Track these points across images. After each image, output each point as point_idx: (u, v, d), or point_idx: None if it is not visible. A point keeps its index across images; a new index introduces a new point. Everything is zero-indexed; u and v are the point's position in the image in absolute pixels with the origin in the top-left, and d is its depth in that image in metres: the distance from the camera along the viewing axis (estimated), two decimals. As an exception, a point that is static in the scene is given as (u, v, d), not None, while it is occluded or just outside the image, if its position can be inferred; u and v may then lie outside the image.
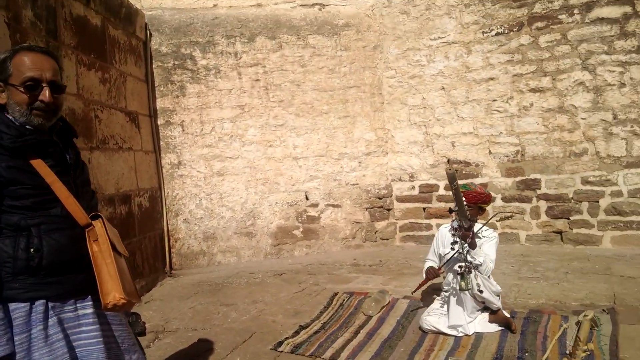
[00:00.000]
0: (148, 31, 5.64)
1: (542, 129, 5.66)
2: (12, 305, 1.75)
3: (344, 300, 4.25)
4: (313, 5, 6.35)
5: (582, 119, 5.47)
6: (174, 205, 5.77)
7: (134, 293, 1.88)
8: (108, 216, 4.39)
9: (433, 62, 6.10)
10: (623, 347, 3.06)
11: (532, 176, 5.69)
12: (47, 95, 1.76)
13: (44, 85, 1.76)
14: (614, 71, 5.29)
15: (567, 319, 3.52)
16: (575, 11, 5.41)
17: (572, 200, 5.55)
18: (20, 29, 3.33)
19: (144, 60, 5.52)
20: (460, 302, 3.45)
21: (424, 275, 3.67)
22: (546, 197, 5.66)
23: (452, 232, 3.69)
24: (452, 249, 3.52)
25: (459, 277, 3.32)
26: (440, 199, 6.18)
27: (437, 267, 3.62)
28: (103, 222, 1.88)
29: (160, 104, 5.75)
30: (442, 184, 6.16)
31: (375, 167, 6.33)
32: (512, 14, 5.70)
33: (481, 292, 3.35)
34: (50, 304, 1.79)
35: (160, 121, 5.74)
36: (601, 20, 5.31)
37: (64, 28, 3.89)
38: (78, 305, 1.86)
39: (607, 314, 3.53)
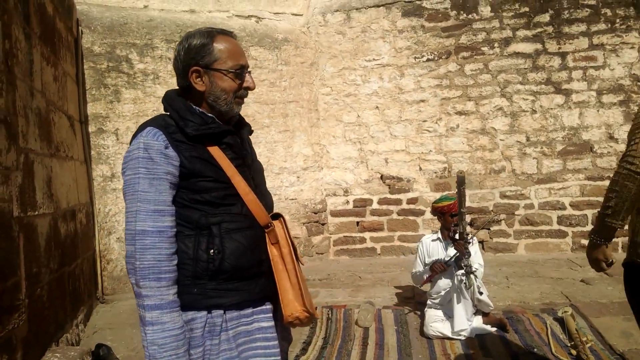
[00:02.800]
0: (80, 27, 5.04)
1: (466, 148, 6.24)
2: (190, 314, 1.57)
3: (328, 314, 4.21)
4: (249, 17, 6.25)
5: (501, 140, 6.16)
6: (106, 222, 5.17)
7: (313, 307, 1.72)
8: (64, 235, 3.81)
9: (368, 82, 6.38)
10: (606, 337, 3.53)
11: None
12: (251, 81, 1.65)
13: (248, 71, 1.64)
14: (527, 99, 6.07)
15: (543, 317, 3.94)
16: (496, 45, 6.12)
17: (492, 212, 6.20)
18: (7, 7, 2.80)
19: (75, 59, 4.91)
20: (462, 307, 3.66)
21: (425, 276, 3.84)
22: (470, 210, 6.23)
23: (444, 242, 3.94)
24: (446, 260, 3.77)
25: (464, 278, 3.53)
26: (374, 212, 6.44)
27: (443, 262, 3.78)
28: (283, 222, 1.72)
29: (92, 109, 5.14)
30: (376, 198, 6.43)
31: (312, 182, 6.38)
32: (441, 42, 6.24)
33: (481, 293, 3.61)
34: (227, 315, 1.61)
35: (91, 128, 5.13)
36: (517, 54, 6.07)
37: (33, 14, 3.34)
38: (256, 316, 1.68)
39: (574, 309, 4.03)
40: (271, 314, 1.70)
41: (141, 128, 1.60)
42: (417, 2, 6.29)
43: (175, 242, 1.55)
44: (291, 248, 1.69)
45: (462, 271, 3.55)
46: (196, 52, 1.61)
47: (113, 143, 5.24)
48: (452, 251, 3.74)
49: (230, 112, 1.65)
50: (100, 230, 5.11)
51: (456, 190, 3.34)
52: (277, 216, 1.72)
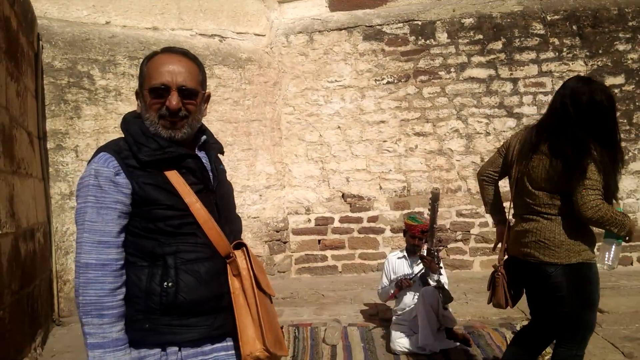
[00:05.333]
0: (40, 42, 4.94)
1: (425, 168, 6.45)
2: (142, 352, 1.49)
3: (295, 333, 4.23)
4: (212, 35, 6.28)
5: (457, 160, 6.41)
6: (63, 242, 5.02)
7: (279, 344, 1.63)
8: (24, 255, 3.69)
9: (330, 102, 6.52)
10: (562, 349, 3.72)
11: (417, 209, 6.39)
12: (172, 101, 1.52)
13: (172, 90, 1.53)
14: (481, 122, 6.36)
15: (502, 331, 4.11)
16: (452, 69, 6.39)
17: (449, 230, 6.41)
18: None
19: (34, 74, 4.80)
20: (427, 323, 3.77)
21: (391, 291, 3.93)
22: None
23: (409, 259, 4.06)
24: (411, 277, 3.89)
25: (440, 293, 3.65)
26: (335, 230, 6.53)
27: (408, 278, 3.88)
28: (247, 252, 1.63)
29: (50, 125, 5.02)
30: (337, 216, 6.52)
31: (275, 200, 6.41)
32: (401, 66, 6.46)
33: (445, 309, 3.75)
34: (183, 352, 1.52)
35: (50, 145, 5.00)
36: (472, 79, 6.37)
37: (0, 29, 3.28)
38: (216, 354, 1.59)
39: (531, 323, 4.22)
40: (233, 351, 1.61)
41: (96, 153, 1.54)
42: (377, 27, 6.50)
43: (122, 275, 1.47)
44: (253, 280, 1.59)
45: (431, 288, 3.68)
46: (138, 75, 1.61)
47: (72, 160, 5.12)
48: (417, 268, 3.86)
49: (158, 135, 1.55)
50: (57, 249, 4.96)
51: (429, 207, 3.46)
52: (240, 246, 1.64)
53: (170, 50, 1.63)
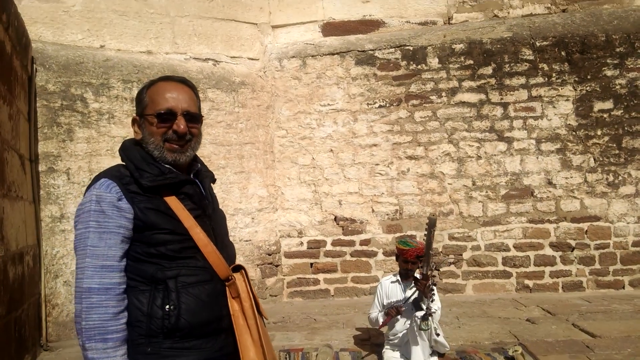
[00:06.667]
0: (34, 65, 4.97)
1: (417, 191, 6.47)
2: None
3: (286, 358, 4.19)
4: (206, 59, 6.34)
5: (449, 184, 6.43)
6: (53, 265, 4.97)
7: None
8: (12, 278, 3.65)
9: (323, 126, 6.56)
10: (554, 374, 3.70)
11: (409, 232, 6.40)
12: (181, 125, 1.60)
13: (178, 115, 1.61)
14: (472, 146, 6.41)
15: (494, 356, 4.08)
16: (443, 94, 6.47)
17: (441, 254, 6.40)
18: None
19: (27, 97, 4.81)
20: (419, 348, 3.74)
21: (380, 320, 3.89)
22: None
23: (402, 283, 4.03)
24: (404, 301, 3.86)
25: (419, 320, 3.61)
26: (328, 254, 6.50)
27: (399, 305, 3.85)
28: (245, 275, 1.68)
29: (43, 147, 5.02)
30: (330, 239, 6.51)
31: (267, 223, 6.39)
32: (393, 90, 6.53)
33: (438, 335, 3.71)
34: None
35: (42, 167, 4.99)
36: (463, 103, 6.44)
37: (-7, 54, 3.30)
38: None
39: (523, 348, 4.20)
40: None
41: (95, 179, 1.57)
42: (369, 52, 6.59)
43: (124, 299, 1.49)
44: (252, 302, 1.64)
45: (421, 312, 3.64)
46: (136, 102, 1.67)
47: (64, 183, 5.10)
48: (410, 292, 3.84)
49: (163, 159, 1.61)
50: (46, 273, 4.91)
51: (425, 232, 3.46)
52: (239, 268, 1.68)
53: (170, 79, 1.71)
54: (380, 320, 3.92)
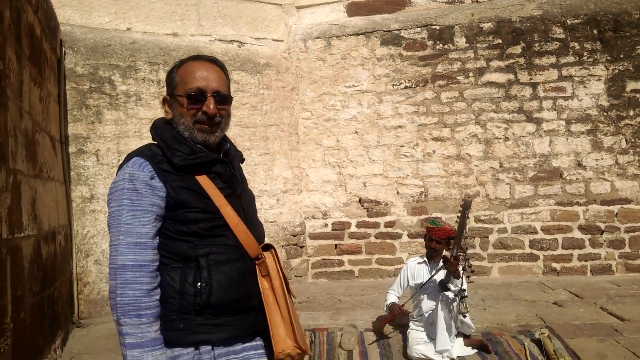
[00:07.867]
0: (63, 48, 5.04)
1: (442, 173, 6.41)
2: (176, 351, 1.52)
3: (311, 337, 4.23)
4: (231, 41, 6.35)
5: (475, 166, 6.35)
6: (84, 244, 5.09)
7: (305, 343, 1.68)
8: (45, 257, 3.75)
9: (347, 107, 6.52)
10: (582, 358, 3.66)
11: (434, 215, 6.36)
12: (210, 106, 1.59)
13: (208, 95, 1.60)
14: (500, 127, 6.30)
15: (520, 339, 4.06)
16: (471, 74, 6.35)
17: (467, 237, 6.34)
18: (2, 28, 2.81)
19: (57, 79, 4.90)
20: (445, 329, 3.74)
21: (388, 311, 3.90)
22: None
23: (429, 265, 4.02)
24: (429, 280, 3.85)
25: (457, 304, 3.61)
26: (352, 235, 6.51)
27: (400, 304, 3.87)
28: (275, 254, 1.70)
29: (72, 129, 5.11)
30: (354, 221, 6.51)
31: (292, 204, 6.43)
32: (419, 71, 6.44)
33: (465, 316, 3.71)
34: (215, 351, 1.56)
35: (72, 149, 5.09)
36: (491, 84, 6.32)
37: (24, 36, 3.35)
38: (246, 353, 1.62)
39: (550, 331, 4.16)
40: (262, 350, 1.65)
41: (127, 158, 1.58)
42: (395, 31, 6.49)
43: (157, 276, 1.50)
44: (282, 280, 1.65)
45: (450, 293, 3.63)
46: (167, 82, 1.67)
47: (93, 164, 5.20)
48: (436, 274, 3.82)
49: (193, 139, 1.61)
50: (77, 252, 5.04)
51: (458, 214, 3.44)
52: (268, 247, 1.69)
53: (200, 58, 1.70)
54: (386, 310, 3.92)
